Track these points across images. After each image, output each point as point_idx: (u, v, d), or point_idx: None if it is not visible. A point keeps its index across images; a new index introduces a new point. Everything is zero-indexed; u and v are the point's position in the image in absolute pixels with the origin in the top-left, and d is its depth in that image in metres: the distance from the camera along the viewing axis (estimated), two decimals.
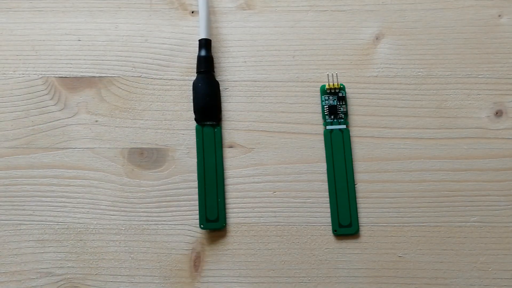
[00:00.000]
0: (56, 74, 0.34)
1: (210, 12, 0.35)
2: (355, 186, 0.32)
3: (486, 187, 0.32)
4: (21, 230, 0.32)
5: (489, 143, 0.33)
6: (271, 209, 0.32)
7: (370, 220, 0.32)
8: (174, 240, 0.31)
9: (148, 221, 0.32)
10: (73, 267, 0.31)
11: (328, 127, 0.33)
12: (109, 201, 0.32)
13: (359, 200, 0.32)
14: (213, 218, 0.31)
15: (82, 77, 0.34)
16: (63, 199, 0.32)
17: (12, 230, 0.32)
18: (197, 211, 0.32)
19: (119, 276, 0.31)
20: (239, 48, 0.34)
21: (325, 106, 0.33)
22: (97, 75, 0.34)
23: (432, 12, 0.35)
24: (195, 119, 0.33)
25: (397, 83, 0.34)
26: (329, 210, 0.32)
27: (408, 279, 0.31)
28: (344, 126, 0.33)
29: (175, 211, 0.32)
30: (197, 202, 0.32)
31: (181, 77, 0.34)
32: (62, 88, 0.34)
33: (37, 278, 0.31)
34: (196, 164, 0.32)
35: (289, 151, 0.33)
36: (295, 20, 0.35)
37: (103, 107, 0.33)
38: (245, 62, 0.34)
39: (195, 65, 0.34)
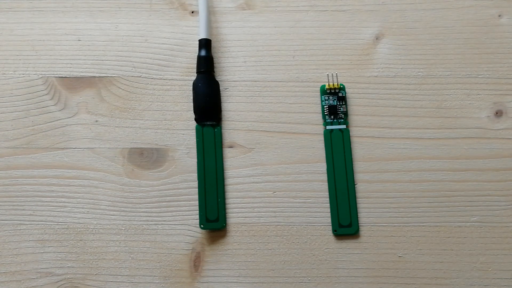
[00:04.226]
0: (56, 74, 0.34)
1: (210, 12, 0.35)
2: (355, 186, 0.32)
3: (486, 187, 0.32)
4: (21, 230, 0.32)
5: (489, 143, 0.33)
6: (271, 209, 0.32)
7: (370, 220, 0.32)
8: (174, 240, 0.31)
9: (148, 221, 0.32)
10: (73, 267, 0.31)
11: (328, 127, 0.33)
12: (109, 201, 0.32)
13: (359, 200, 0.32)
14: (213, 218, 0.31)
15: (82, 77, 0.34)
16: (63, 199, 0.32)
17: (12, 230, 0.32)
18: (197, 211, 0.32)
19: (119, 276, 0.31)
20: (239, 48, 0.34)
21: (325, 106, 0.33)
22: (97, 75, 0.34)
23: (432, 12, 0.35)
24: (195, 119, 0.33)
25: (397, 83, 0.34)
26: (329, 210, 0.32)
27: (408, 279, 0.31)
28: (344, 126, 0.33)
29: (175, 211, 0.32)
30: (197, 202, 0.32)
31: (181, 77, 0.34)
32: (62, 88, 0.34)
33: (37, 278, 0.31)
34: (196, 164, 0.32)
35: (289, 151, 0.33)
36: (295, 20, 0.35)
37: (103, 107, 0.33)
38: (245, 62, 0.34)
39: (195, 65, 0.34)
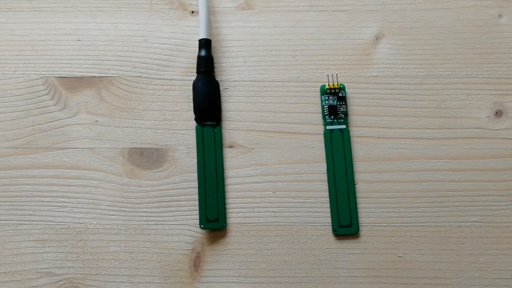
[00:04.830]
0: (56, 74, 0.34)
1: (210, 12, 0.35)
2: (355, 186, 0.32)
3: (486, 187, 0.32)
4: (21, 230, 0.32)
5: (489, 143, 0.33)
6: (271, 209, 0.32)
7: (370, 220, 0.32)
8: (174, 240, 0.31)
9: (148, 221, 0.32)
10: (73, 267, 0.31)
11: (328, 127, 0.33)
12: (109, 201, 0.32)
13: (359, 200, 0.32)
14: (213, 218, 0.31)
15: (82, 77, 0.34)
16: (63, 199, 0.32)
17: (12, 230, 0.32)
18: (197, 211, 0.32)
19: (119, 276, 0.31)
20: (239, 48, 0.34)
21: (325, 106, 0.33)
22: (97, 75, 0.34)
23: (432, 12, 0.35)
24: (195, 119, 0.33)
25: (397, 83, 0.34)
26: (329, 210, 0.32)
27: (408, 279, 0.31)
28: (344, 126, 0.33)
29: (175, 211, 0.32)
30: (197, 202, 0.32)
31: (181, 77, 0.34)
32: (62, 88, 0.34)
33: (37, 278, 0.31)
34: (196, 164, 0.32)
35: (289, 151, 0.33)
36: (295, 20, 0.35)
37: (103, 107, 0.33)
38: (245, 62, 0.34)
39: (195, 65, 0.34)
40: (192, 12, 0.35)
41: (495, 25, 0.35)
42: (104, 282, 0.31)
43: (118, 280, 0.31)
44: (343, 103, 0.33)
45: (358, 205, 0.32)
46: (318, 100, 0.33)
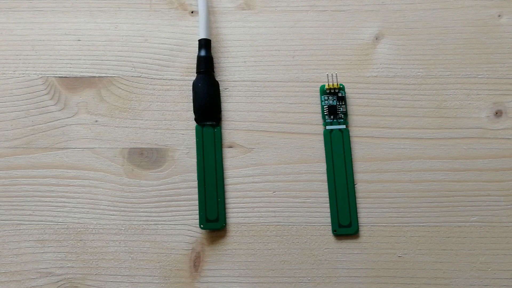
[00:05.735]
0: (56, 74, 0.34)
1: (210, 12, 0.35)
2: (355, 186, 0.32)
3: (486, 187, 0.32)
4: (21, 230, 0.32)
5: (489, 143, 0.33)
6: (271, 209, 0.32)
7: (369, 220, 0.32)
8: (174, 240, 0.31)
9: (148, 221, 0.32)
10: (73, 267, 0.31)
11: (328, 127, 0.33)
12: (109, 201, 0.32)
13: (359, 200, 0.32)
14: (213, 218, 0.31)
15: (82, 77, 0.34)
16: (63, 199, 0.32)
17: (12, 230, 0.32)
18: (197, 211, 0.32)
19: (119, 276, 0.31)
20: (239, 48, 0.34)
21: (324, 106, 0.33)
22: (97, 75, 0.34)
23: (432, 12, 0.35)
24: (195, 119, 0.33)
25: (397, 83, 0.34)
26: (328, 210, 0.32)
27: (408, 279, 0.31)
28: (343, 126, 0.33)
29: (175, 211, 0.32)
30: (197, 202, 0.32)
31: (181, 77, 0.34)
32: (62, 88, 0.34)
33: (37, 278, 0.31)
34: (196, 164, 0.32)
35: (289, 151, 0.33)
36: (295, 20, 0.35)
37: (103, 107, 0.33)
38: (245, 62, 0.34)
39: (195, 65, 0.34)
40: (192, 12, 0.35)
41: (495, 25, 0.35)
42: (104, 282, 0.31)
43: (118, 280, 0.31)
44: (343, 103, 0.33)
45: (358, 205, 0.32)
46: (317, 100, 0.33)
